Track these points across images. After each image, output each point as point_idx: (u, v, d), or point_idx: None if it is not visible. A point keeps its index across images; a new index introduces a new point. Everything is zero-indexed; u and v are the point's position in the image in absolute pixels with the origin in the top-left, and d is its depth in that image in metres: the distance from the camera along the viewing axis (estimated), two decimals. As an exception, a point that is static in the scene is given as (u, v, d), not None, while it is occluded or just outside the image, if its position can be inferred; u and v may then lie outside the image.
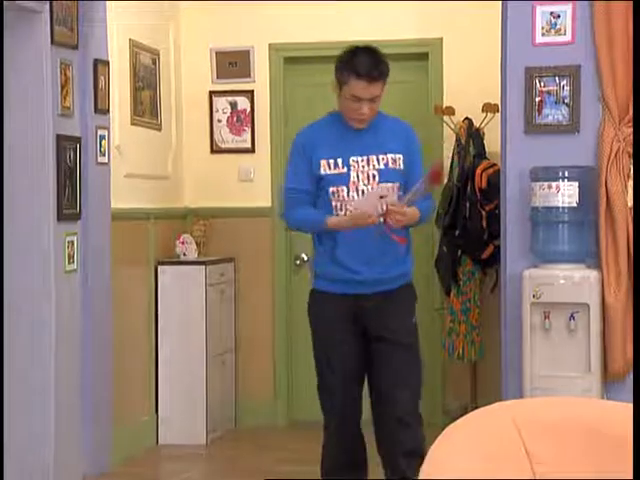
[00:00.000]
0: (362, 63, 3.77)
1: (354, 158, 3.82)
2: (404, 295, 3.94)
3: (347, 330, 3.88)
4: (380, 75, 3.79)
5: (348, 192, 3.81)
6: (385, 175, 3.81)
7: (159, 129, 6.06)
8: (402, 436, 3.80)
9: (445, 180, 4.54)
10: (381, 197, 3.71)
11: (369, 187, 3.79)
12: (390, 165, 3.83)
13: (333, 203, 3.82)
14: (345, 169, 3.81)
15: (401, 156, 3.85)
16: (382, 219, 3.73)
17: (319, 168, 3.82)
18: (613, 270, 4.29)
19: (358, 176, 3.81)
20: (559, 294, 4.26)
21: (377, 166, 3.82)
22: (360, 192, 3.80)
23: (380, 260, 3.83)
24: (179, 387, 5.85)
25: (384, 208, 3.70)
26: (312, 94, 6.36)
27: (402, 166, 3.84)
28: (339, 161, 3.81)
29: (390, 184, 3.81)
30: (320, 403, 3.98)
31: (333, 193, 3.81)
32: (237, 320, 6.35)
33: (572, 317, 4.25)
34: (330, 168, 3.82)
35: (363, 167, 3.81)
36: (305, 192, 3.85)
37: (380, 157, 3.82)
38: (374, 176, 3.81)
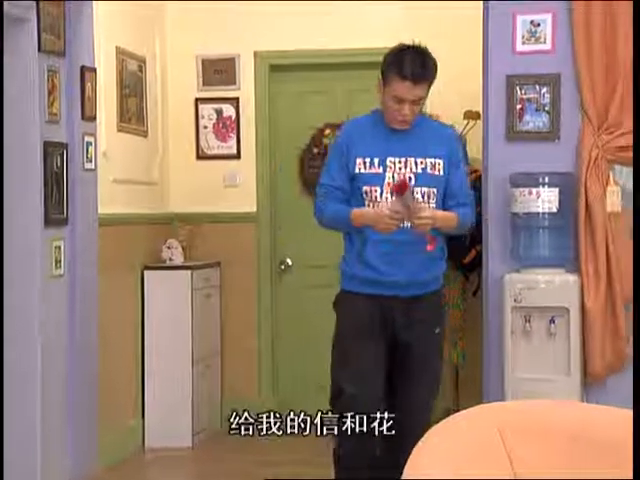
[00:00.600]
0: (407, 63, 3.63)
1: (391, 159, 3.70)
2: (433, 302, 3.82)
3: (372, 332, 3.73)
4: (425, 77, 3.65)
5: (381, 193, 3.69)
6: (422, 179, 3.69)
7: (145, 135, 6.10)
8: (410, 447, 3.66)
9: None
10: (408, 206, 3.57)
11: None
12: (429, 170, 3.70)
13: (366, 203, 3.70)
14: (381, 169, 3.69)
15: (442, 161, 3.72)
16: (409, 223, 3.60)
17: (354, 166, 3.72)
18: (592, 274, 4.35)
19: (393, 177, 3.68)
20: (540, 298, 4.30)
21: (414, 169, 3.70)
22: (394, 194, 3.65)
23: (409, 263, 3.70)
24: (165, 390, 5.89)
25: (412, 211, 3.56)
26: (297, 101, 6.42)
27: (442, 172, 3.72)
28: (375, 161, 3.70)
29: (426, 189, 3.71)
30: (331, 404, 3.79)
31: (366, 192, 3.70)
32: (222, 324, 6.39)
33: (552, 321, 4.31)
34: (366, 167, 3.71)
35: (400, 169, 3.69)
36: (338, 189, 3.74)
37: (419, 160, 3.70)
38: (410, 179, 3.68)
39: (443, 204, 3.75)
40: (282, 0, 6.16)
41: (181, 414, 5.87)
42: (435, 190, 3.72)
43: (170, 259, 6.09)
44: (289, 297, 6.48)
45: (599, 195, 4.36)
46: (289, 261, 6.48)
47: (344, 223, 3.75)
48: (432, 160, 3.71)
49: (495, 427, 2.54)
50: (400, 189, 3.52)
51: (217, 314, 6.34)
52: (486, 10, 4.57)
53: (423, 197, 3.69)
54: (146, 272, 5.94)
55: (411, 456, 2.45)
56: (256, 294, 6.42)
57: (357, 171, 3.72)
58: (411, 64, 3.62)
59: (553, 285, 4.32)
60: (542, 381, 4.27)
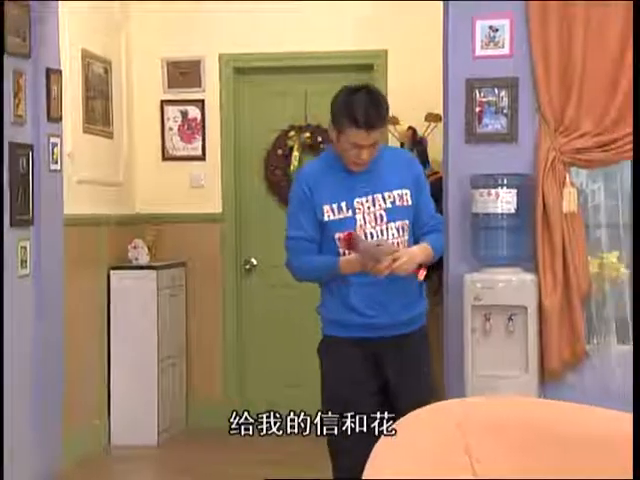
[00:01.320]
0: (360, 111, 3.48)
1: (358, 200, 3.59)
2: (418, 342, 3.78)
3: (362, 382, 3.65)
4: (381, 122, 3.56)
5: None
6: (393, 214, 3.62)
7: (111, 137, 6.13)
8: None
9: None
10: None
11: (377, 229, 3.61)
12: (397, 203, 3.63)
13: (340, 250, 3.60)
14: (350, 213, 3.59)
15: (408, 191, 3.65)
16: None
17: (322, 214, 3.59)
18: (549, 273, 4.42)
19: (365, 219, 3.60)
20: (499, 297, 4.35)
21: (384, 205, 3.61)
22: (369, 236, 3.59)
23: (393, 304, 3.65)
24: (131, 389, 5.93)
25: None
26: (261, 103, 6.49)
27: (410, 201, 3.65)
28: (343, 205, 3.59)
29: (400, 222, 3.65)
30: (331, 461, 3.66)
31: (339, 239, 3.58)
32: (188, 323, 6.44)
33: (510, 319, 4.40)
34: (334, 213, 3.59)
35: (369, 208, 3.60)
36: (310, 240, 3.62)
37: (386, 195, 3.62)
38: (382, 217, 3.61)
39: (414, 233, 3.71)
40: (247, 0, 6.23)
41: (146, 413, 5.92)
42: (407, 222, 3.68)
43: (136, 259, 6.13)
44: (254, 296, 6.55)
45: (556, 196, 4.44)
46: (254, 261, 6.54)
47: (329, 273, 3.63)
48: (399, 192, 3.65)
49: (455, 424, 2.55)
50: (348, 245, 3.47)
51: (182, 314, 6.38)
52: (446, 13, 4.65)
53: (398, 231, 3.65)
54: (112, 272, 5.98)
55: (371, 454, 2.46)
56: (221, 294, 6.47)
57: (326, 219, 3.60)
58: (364, 111, 3.49)
59: (511, 284, 4.38)
60: (501, 378, 4.32)
